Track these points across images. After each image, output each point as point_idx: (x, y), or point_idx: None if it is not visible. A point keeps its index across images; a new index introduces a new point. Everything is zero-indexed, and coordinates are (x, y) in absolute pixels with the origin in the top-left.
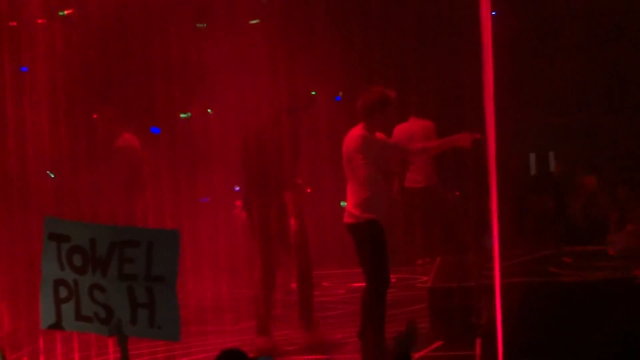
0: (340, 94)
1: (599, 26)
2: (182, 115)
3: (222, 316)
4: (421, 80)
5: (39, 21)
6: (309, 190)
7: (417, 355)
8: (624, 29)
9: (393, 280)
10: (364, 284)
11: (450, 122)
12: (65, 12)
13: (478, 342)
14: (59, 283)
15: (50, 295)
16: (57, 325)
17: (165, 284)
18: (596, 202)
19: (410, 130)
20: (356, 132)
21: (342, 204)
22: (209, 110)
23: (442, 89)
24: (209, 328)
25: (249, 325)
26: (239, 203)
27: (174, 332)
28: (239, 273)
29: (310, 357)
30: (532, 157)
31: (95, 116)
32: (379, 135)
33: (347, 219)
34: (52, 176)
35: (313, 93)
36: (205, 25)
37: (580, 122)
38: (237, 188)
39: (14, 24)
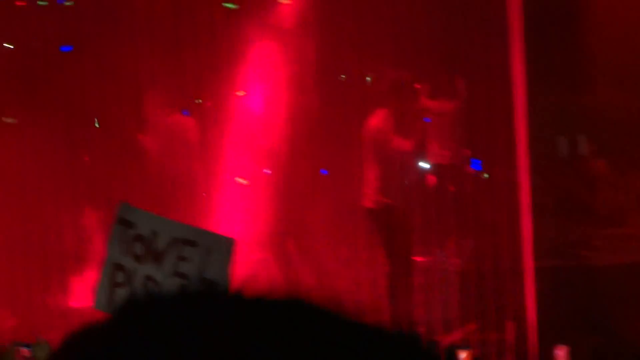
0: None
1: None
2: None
3: None
4: (448, 63)
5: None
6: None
7: (449, 338)
8: None
9: (423, 262)
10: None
11: (478, 105)
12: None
13: (510, 326)
14: (118, 268)
15: (108, 277)
16: (107, 309)
17: (216, 290)
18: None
19: None
20: (372, 121)
21: None
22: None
23: (470, 71)
24: None
25: None
26: None
27: None
28: None
29: None
30: (562, 139)
31: None
32: (386, 126)
33: (366, 203)
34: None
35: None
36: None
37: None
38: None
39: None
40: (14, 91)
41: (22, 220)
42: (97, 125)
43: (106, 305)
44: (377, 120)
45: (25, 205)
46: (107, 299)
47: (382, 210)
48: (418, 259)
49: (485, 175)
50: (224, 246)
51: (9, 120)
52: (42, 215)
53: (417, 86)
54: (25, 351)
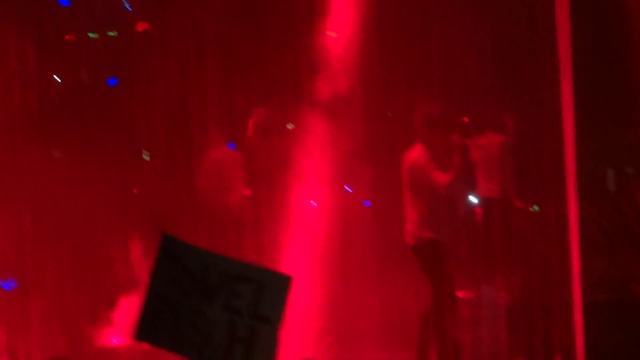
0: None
1: None
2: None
3: None
4: (497, 98)
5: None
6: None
7: None
8: None
9: (471, 296)
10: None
11: (527, 139)
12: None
13: None
14: (162, 300)
15: (152, 309)
16: (150, 340)
17: (269, 326)
18: None
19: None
20: (409, 156)
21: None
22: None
23: (519, 105)
24: None
25: None
26: None
27: None
28: None
29: None
30: (611, 173)
31: None
32: (423, 161)
33: (408, 240)
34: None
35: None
36: None
37: None
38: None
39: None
40: (64, 124)
41: (71, 254)
42: (146, 157)
43: (148, 337)
44: (419, 154)
45: (74, 239)
46: (149, 331)
47: (425, 245)
48: (466, 293)
49: (535, 208)
50: (281, 283)
51: (57, 154)
52: (91, 249)
53: (466, 120)
54: None
